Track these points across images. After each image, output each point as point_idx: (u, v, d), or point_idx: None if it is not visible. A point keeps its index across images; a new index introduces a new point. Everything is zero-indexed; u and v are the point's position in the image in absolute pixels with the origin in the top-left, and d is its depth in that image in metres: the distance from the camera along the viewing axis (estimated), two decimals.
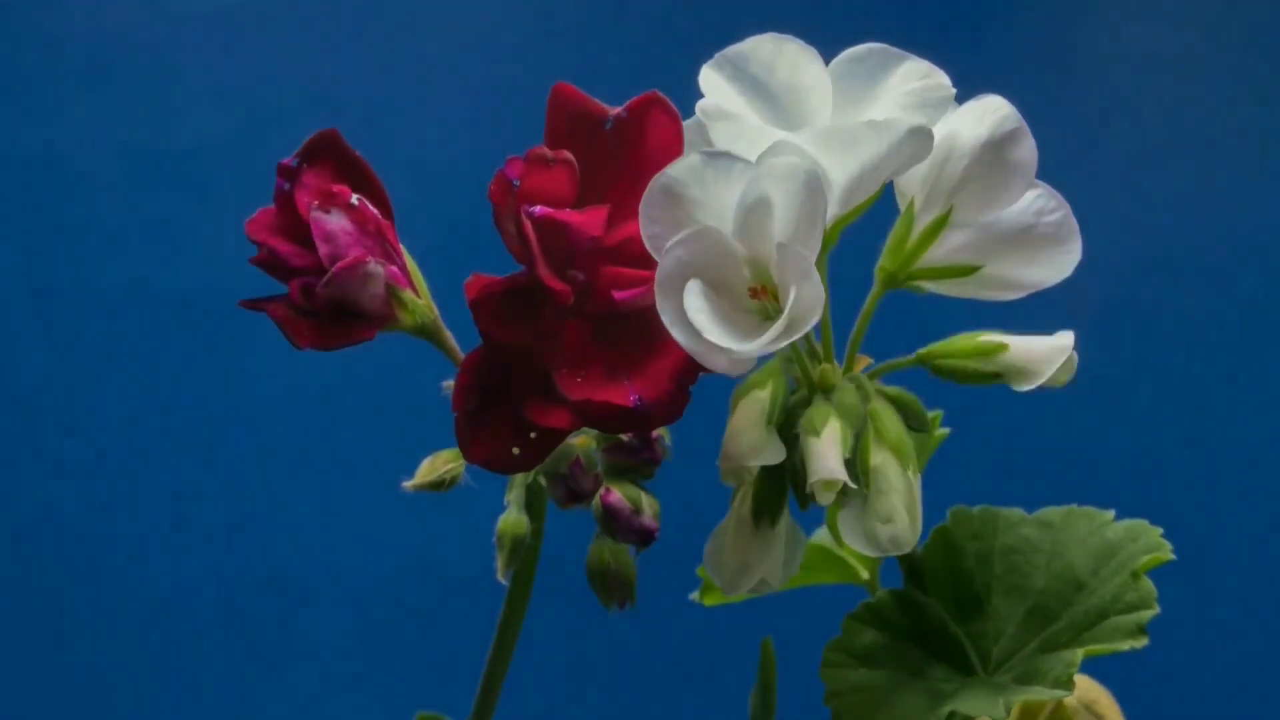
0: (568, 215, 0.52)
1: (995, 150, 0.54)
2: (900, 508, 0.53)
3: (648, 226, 0.51)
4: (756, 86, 0.54)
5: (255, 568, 1.36)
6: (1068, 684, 0.55)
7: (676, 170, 0.51)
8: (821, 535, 0.72)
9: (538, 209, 0.52)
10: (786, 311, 0.49)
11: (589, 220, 0.52)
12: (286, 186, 0.56)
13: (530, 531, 0.60)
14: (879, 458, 0.54)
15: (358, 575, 1.36)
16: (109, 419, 1.38)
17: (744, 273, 0.52)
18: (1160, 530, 0.59)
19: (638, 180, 0.53)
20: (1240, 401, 1.34)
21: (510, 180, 0.52)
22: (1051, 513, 0.61)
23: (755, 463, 0.53)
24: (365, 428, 1.36)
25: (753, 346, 0.49)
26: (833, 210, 0.52)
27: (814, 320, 0.49)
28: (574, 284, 0.52)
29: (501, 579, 0.61)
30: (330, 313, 0.54)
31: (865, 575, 0.70)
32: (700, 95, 0.54)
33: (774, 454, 0.53)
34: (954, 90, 0.54)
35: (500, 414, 0.52)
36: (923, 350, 0.56)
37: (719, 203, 0.51)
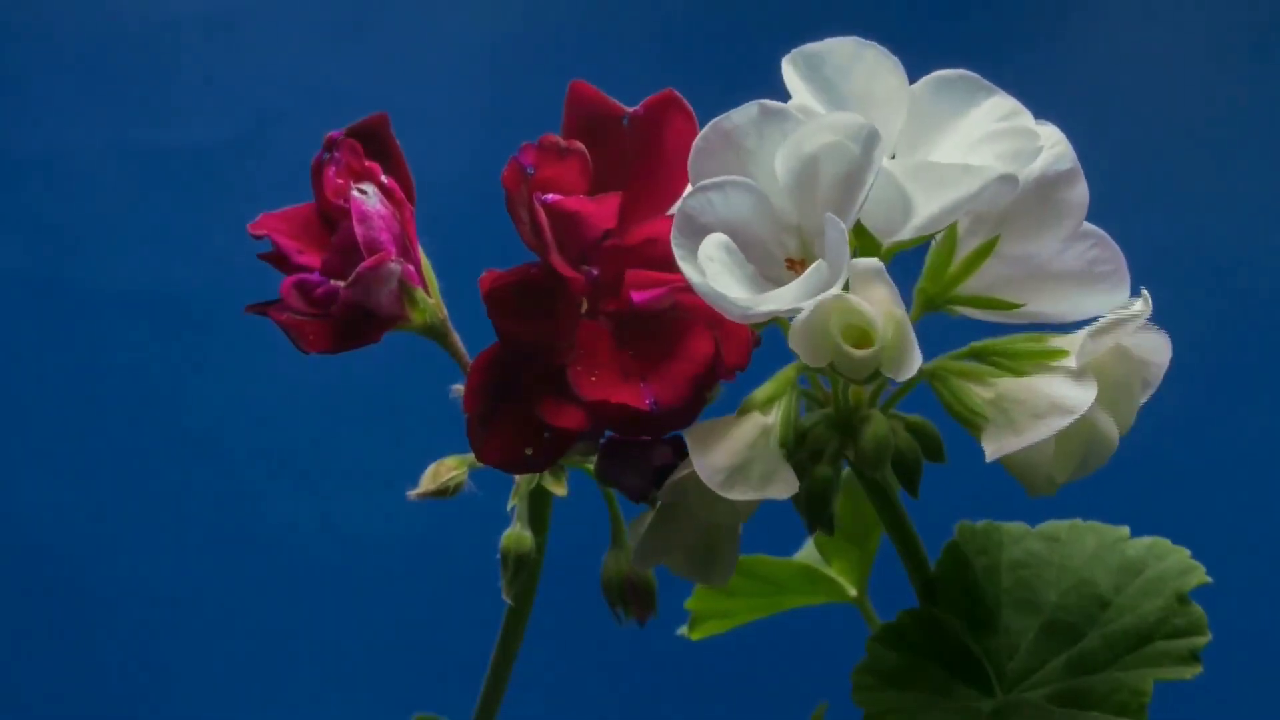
0: (579, 204, 0.52)
1: (1046, 188, 0.53)
2: (1045, 402, 0.51)
3: (697, 167, 0.50)
4: (828, 87, 0.52)
5: (255, 569, 1.36)
6: (1139, 712, 0.54)
7: (736, 118, 0.50)
8: (808, 554, 0.71)
9: (550, 196, 0.51)
10: (802, 278, 0.48)
11: (601, 210, 0.52)
12: (325, 157, 0.56)
13: (534, 547, 0.59)
14: (990, 391, 0.52)
15: (358, 576, 1.36)
16: (109, 419, 1.38)
17: (786, 241, 0.50)
18: (1187, 551, 0.58)
19: (654, 179, 0.53)
20: (1237, 406, 1.34)
21: (524, 167, 0.52)
22: (1056, 527, 0.60)
23: (762, 496, 0.51)
24: (366, 427, 1.36)
25: (756, 300, 0.48)
26: (903, 236, 0.51)
27: (828, 292, 0.47)
28: (588, 278, 0.52)
29: (507, 598, 0.60)
30: (342, 314, 0.54)
31: (853, 593, 0.70)
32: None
33: (785, 487, 0.51)
34: (1042, 145, 0.52)
35: (512, 414, 0.51)
36: (978, 344, 0.54)
37: (773, 162, 0.50)
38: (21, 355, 1.38)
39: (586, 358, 0.51)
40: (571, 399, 0.51)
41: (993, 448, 0.51)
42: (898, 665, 0.57)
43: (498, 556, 0.59)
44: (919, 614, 0.59)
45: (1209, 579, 0.57)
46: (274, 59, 1.39)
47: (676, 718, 1.34)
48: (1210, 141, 1.39)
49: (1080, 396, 0.50)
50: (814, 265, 0.48)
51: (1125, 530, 0.60)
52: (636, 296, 0.51)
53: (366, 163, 0.56)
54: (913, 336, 0.49)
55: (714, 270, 0.49)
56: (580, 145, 0.53)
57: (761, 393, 0.53)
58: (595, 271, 0.52)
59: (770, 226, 0.50)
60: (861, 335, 0.49)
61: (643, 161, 0.54)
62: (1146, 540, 0.59)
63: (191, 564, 1.35)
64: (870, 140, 0.48)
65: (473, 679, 0.65)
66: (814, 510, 0.54)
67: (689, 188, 0.51)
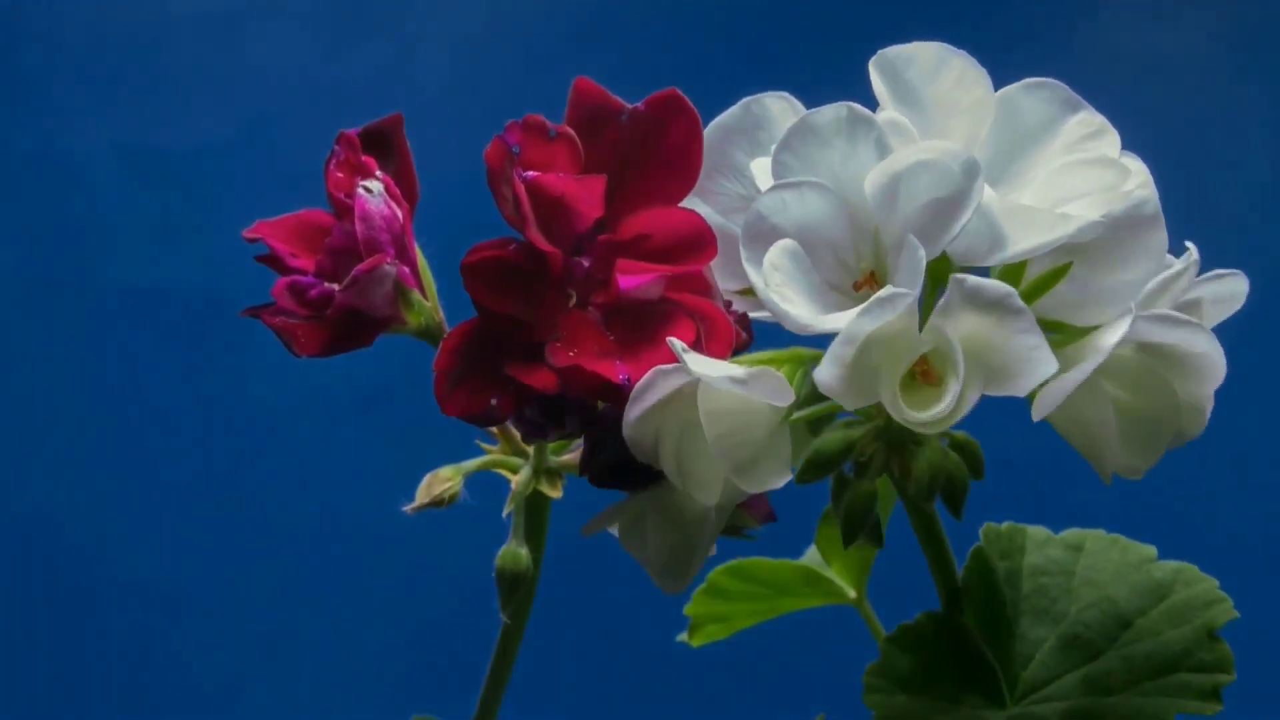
0: (563, 183, 0.51)
1: (1126, 229, 0.51)
2: (1088, 349, 0.49)
3: (783, 153, 0.49)
4: (908, 93, 0.51)
5: (254, 569, 1.35)
6: None
7: (823, 118, 0.49)
8: (809, 557, 0.70)
9: (531, 173, 0.51)
10: (869, 302, 0.46)
11: (586, 193, 0.52)
12: (333, 152, 0.56)
13: (530, 564, 0.59)
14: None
15: (357, 576, 1.36)
16: (109, 419, 1.38)
17: (860, 248, 0.49)
18: (1215, 581, 0.56)
19: (652, 176, 0.53)
20: (1240, 409, 1.33)
21: (509, 146, 0.52)
22: (1080, 535, 0.59)
23: (745, 391, 0.48)
24: (367, 428, 1.36)
25: (816, 320, 0.47)
26: (984, 264, 0.50)
27: (886, 317, 0.46)
28: (577, 269, 0.52)
29: (505, 617, 0.59)
30: (336, 317, 0.54)
31: (852, 594, 0.69)
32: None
33: (776, 472, 0.49)
34: (1131, 189, 0.51)
35: (482, 374, 0.51)
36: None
37: (857, 166, 0.49)
38: (21, 355, 1.38)
39: (568, 340, 0.51)
40: (546, 366, 0.51)
41: (1036, 404, 0.48)
42: (911, 669, 0.56)
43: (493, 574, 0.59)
44: (938, 617, 0.58)
45: (1236, 613, 0.55)
46: (274, 59, 1.39)
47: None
48: (1210, 139, 1.38)
49: (1113, 338, 0.47)
50: (884, 290, 0.46)
51: (1152, 550, 0.58)
52: (624, 281, 0.51)
53: (363, 157, 0.56)
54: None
55: (777, 280, 0.47)
56: (570, 131, 0.52)
57: (750, 356, 0.52)
58: (586, 263, 0.52)
59: (844, 233, 0.49)
60: (931, 373, 0.47)
61: (641, 158, 0.54)
62: (1173, 564, 0.58)
63: (190, 564, 1.35)
64: (972, 171, 0.47)
65: (472, 680, 0.65)
66: (852, 525, 0.53)
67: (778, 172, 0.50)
